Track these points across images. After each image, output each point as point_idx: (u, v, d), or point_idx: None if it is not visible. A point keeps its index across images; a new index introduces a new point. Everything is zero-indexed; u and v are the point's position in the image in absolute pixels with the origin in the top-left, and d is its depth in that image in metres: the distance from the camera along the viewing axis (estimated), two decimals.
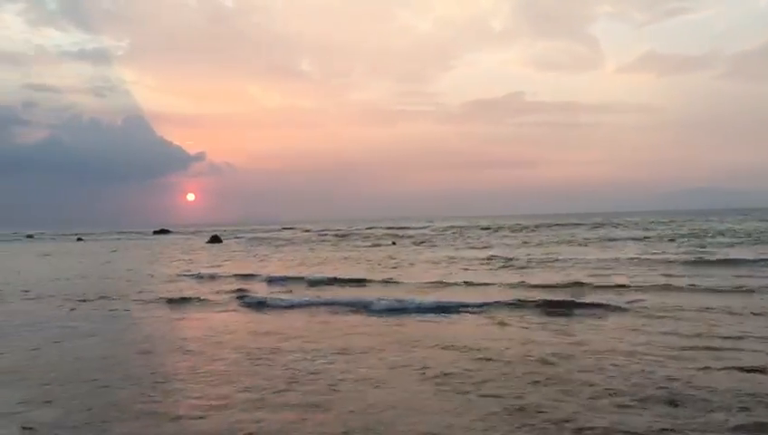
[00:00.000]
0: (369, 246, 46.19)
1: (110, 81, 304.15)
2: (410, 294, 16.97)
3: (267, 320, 14.15)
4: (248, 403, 7.55)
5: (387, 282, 20.63)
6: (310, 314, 14.57)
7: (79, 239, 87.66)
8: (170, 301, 17.57)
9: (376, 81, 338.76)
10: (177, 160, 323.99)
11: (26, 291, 21.00)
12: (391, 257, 32.99)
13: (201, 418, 7.04)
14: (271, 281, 21.96)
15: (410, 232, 70.71)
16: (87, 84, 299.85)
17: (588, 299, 15.08)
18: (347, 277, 21.71)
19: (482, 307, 14.37)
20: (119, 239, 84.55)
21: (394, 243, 50.04)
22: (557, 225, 77.57)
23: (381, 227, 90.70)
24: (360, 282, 20.69)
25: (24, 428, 6.88)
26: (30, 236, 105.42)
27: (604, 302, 14.50)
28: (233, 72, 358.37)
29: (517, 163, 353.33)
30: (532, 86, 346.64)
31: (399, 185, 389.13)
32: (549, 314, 13.55)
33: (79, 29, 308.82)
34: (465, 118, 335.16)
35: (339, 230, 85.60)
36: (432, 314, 13.91)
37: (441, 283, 19.83)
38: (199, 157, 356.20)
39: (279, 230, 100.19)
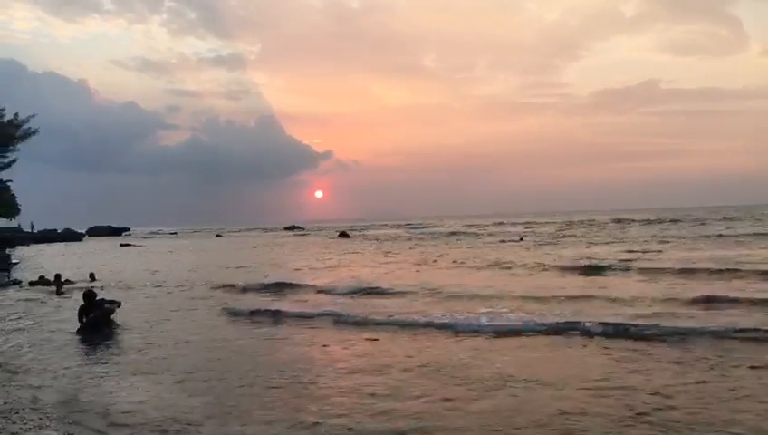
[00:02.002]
0: (497, 243, 45.64)
1: (244, 84, 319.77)
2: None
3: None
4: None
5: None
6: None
7: (218, 235, 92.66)
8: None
9: (501, 74, 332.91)
10: (306, 159, 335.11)
11: (180, 286, 22.52)
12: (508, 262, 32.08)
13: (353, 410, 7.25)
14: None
15: (539, 229, 69.12)
16: (223, 88, 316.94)
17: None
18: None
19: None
20: (253, 236, 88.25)
21: (521, 239, 49.14)
22: (694, 219, 73.11)
23: (508, 223, 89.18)
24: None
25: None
26: (174, 233, 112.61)
27: None
28: (357, 70, 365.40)
29: (651, 154, 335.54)
30: (667, 73, 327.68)
31: (526, 179, 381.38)
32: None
33: (215, 36, 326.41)
34: (594, 109, 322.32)
35: (465, 226, 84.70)
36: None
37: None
38: (327, 155, 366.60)
39: (405, 226, 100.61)
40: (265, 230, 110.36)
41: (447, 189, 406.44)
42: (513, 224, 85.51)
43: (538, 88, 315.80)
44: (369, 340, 11.43)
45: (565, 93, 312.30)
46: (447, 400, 7.42)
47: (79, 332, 13.38)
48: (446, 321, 12.63)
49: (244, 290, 20.27)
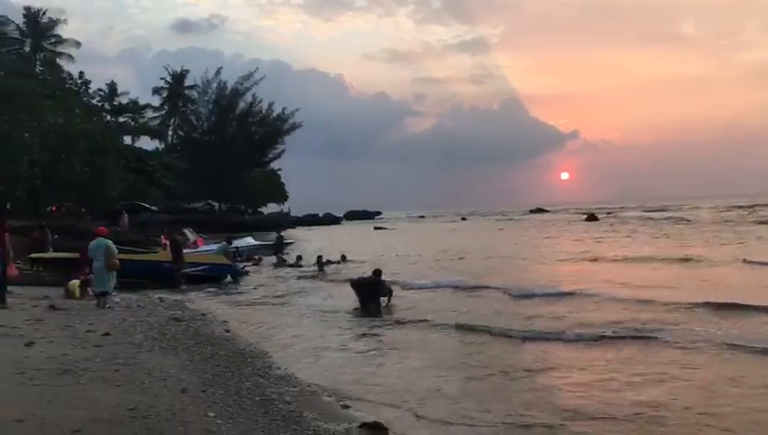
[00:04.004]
0: None
1: (487, 68, 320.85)
2: None
3: None
4: None
5: None
6: None
7: (463, 219, 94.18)
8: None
9: None
10: (550, 140, 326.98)
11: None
12: None
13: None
14: None
15: None
16: (466, 73, 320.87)
17: None
18: None
19: None
20: (499, 219, 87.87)
21: None
22: None
23: None
24: None
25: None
26: (422, 217, 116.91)
27: None
28: (605, 45, 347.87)
29: None
30: None
31: None
32: None
33: (459, 22, 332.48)
34: None
35: (740, 207, 74.01)
36: None
37: None
38: (573, 135, 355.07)
39: (664, 210, 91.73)
40: (511, 213, 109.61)
41: (709, 167, 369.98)
42: None
43: None
44: None
45: None
46: None
47: (362, 305, 14.56)
48: None
49: None
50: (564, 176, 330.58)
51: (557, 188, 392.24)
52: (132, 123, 71.18)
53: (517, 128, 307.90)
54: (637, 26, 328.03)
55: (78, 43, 62.12)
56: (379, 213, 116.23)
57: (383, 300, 14.64)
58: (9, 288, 12.81)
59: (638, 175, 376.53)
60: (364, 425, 6.36)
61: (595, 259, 25.11)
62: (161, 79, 78.25)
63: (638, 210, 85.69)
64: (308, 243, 40.65)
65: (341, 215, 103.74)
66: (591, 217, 64.94)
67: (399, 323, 12.79)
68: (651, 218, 60.71)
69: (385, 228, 67.05)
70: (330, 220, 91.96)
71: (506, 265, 24.04)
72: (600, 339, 10.41)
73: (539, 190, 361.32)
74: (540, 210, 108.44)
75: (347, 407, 7.10)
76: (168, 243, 21.66)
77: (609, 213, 79.92)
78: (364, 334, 11.83)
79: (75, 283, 15.16)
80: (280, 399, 7.10)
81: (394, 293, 15.18)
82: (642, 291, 15.38)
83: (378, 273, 15.27)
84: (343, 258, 25.95)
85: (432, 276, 19.93)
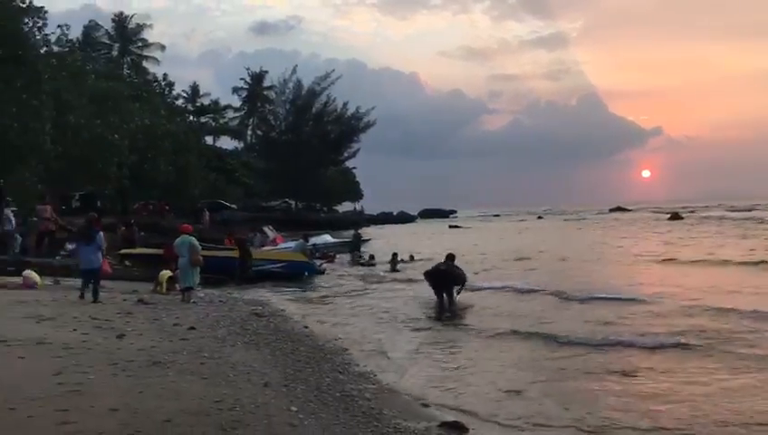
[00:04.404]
0: None
1: (565, 63, 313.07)
2: None
3: None
4: None
5: None
6: None
7: (539, 218, 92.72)
8: None
9: None
10: (630, 137, 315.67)
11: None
12: None
13: None
14: None
15: None
16: (543, 69, 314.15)
17: None
18: None
19: None
20: (577, 218, 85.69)
21: None
22: None
23: None
24: None
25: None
26: (496, 216, 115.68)
27: None
28: (688, 38, 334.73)
29: None
30: None
31: None
32: None
33: (535, 18, 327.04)
34: None
35: None
36: None
37: None
38: (655, 132, 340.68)
39: (752, 209, 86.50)
40: (589, 212, 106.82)
41: None
42: None
43: None
44: None
45: None
46: None
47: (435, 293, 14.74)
48: None
49: None
50: (645, 174, 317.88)
51: (637, 187, 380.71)
52: (213, 123, 73.26)
53: (596, 124, 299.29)
54: (723, 18, 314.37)
55: (162, 47, 64.83)
56: (453, 211, 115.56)
57: (455, 290, 14.70)
58: (101, 282, 13.43)
59: (725, 173, 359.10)
60: (444, 424, 6.37)
61: (673, 260, 24.28)
62: (241, 79, 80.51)
63: (721, 210, 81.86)
64: (379, 242, 40.67)
65: (416, 213, 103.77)
66: (675, 217, 62.66)
67: (470, 325, 12.77)
68: (736, 219, 57.70)
69: (460, 227, 66.68)
70: (404, 219, 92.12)
71: (583, 267, 23.35)
72: (680, 346, 9.95)
73: (618, 188, 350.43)
74: (619, 209, 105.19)
75: (426, 405, 7.12)
76: (232, 242, 22.37)
77: (692, 212, 76.89)
78: (435, 335, 11.88)
79: (166, 272, 15.82)
80: (360, 395, 7.19)
81: (467, 283, 15.19)
82: (724, 297, 14.65)
83: (451, 257, 15.27)
84: (411, 258, 26.03)
85: (505, 278, 19.58)
